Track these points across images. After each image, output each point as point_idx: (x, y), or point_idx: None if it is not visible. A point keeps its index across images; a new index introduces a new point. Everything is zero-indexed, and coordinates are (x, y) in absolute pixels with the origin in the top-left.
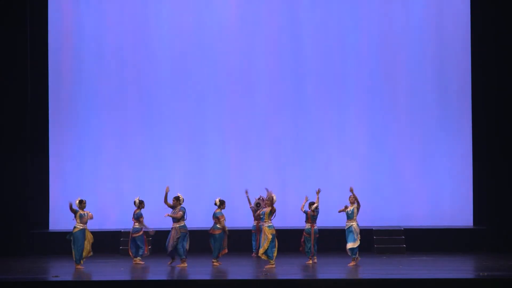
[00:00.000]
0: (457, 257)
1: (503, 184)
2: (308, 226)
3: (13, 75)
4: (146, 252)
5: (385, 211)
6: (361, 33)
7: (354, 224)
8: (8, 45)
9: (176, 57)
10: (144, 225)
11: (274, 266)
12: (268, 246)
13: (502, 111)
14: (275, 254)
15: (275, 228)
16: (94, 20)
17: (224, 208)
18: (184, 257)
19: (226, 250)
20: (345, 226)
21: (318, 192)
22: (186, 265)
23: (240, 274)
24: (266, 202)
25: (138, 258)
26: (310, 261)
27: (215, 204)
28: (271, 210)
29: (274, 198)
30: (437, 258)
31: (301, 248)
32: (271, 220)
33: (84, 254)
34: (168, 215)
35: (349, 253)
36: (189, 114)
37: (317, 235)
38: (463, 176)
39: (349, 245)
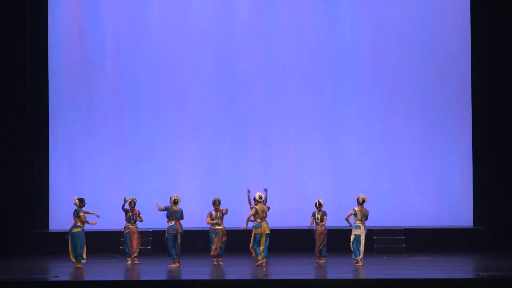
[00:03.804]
0: (457, 257)
1: (503, 184)
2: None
3: (13, 76)
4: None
5: (385, 211)
6: (360, 33)
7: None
8: (8, 45)
9: (176, 56)
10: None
11: (261, 262)
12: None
13: (502, 111)
14: (260, 251)
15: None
16: (95, 20)
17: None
18: (176, 257)
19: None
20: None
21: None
22: (178, 265)
23: (240, 274)
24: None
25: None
26: (322, 261)
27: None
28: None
29: (256, 197)
30: (437, 258)
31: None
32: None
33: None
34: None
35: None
36: (190, 114)
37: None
38: (463, 176)
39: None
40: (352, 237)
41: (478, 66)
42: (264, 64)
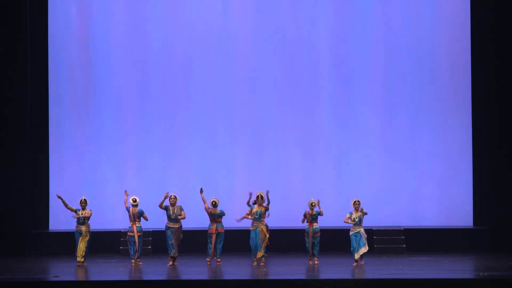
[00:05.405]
0: (457, 257)
1: (504, 184)
2: (307, 225)
3: (13, 76)
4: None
5: (385, 211)
6: (361, 33)
7: (362, 229)
8: (8, 45)
9: (176, 56)
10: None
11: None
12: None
13: (502, 111)
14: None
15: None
16: (95, 19)
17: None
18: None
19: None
20: (350, 231)
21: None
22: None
23: (240, 274)
24: (260, 201)
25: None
26: (310, 262)
27: (216, 204)
28: (265, 209)
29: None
30: (437, 258)
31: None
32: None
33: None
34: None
35: (356, 257)
36: (190, 113)
37: (317, 234)
38: (463, 176)
39: (362, 249)
40: (354, 231)
41: (478, 66)
42: (266, 65)
